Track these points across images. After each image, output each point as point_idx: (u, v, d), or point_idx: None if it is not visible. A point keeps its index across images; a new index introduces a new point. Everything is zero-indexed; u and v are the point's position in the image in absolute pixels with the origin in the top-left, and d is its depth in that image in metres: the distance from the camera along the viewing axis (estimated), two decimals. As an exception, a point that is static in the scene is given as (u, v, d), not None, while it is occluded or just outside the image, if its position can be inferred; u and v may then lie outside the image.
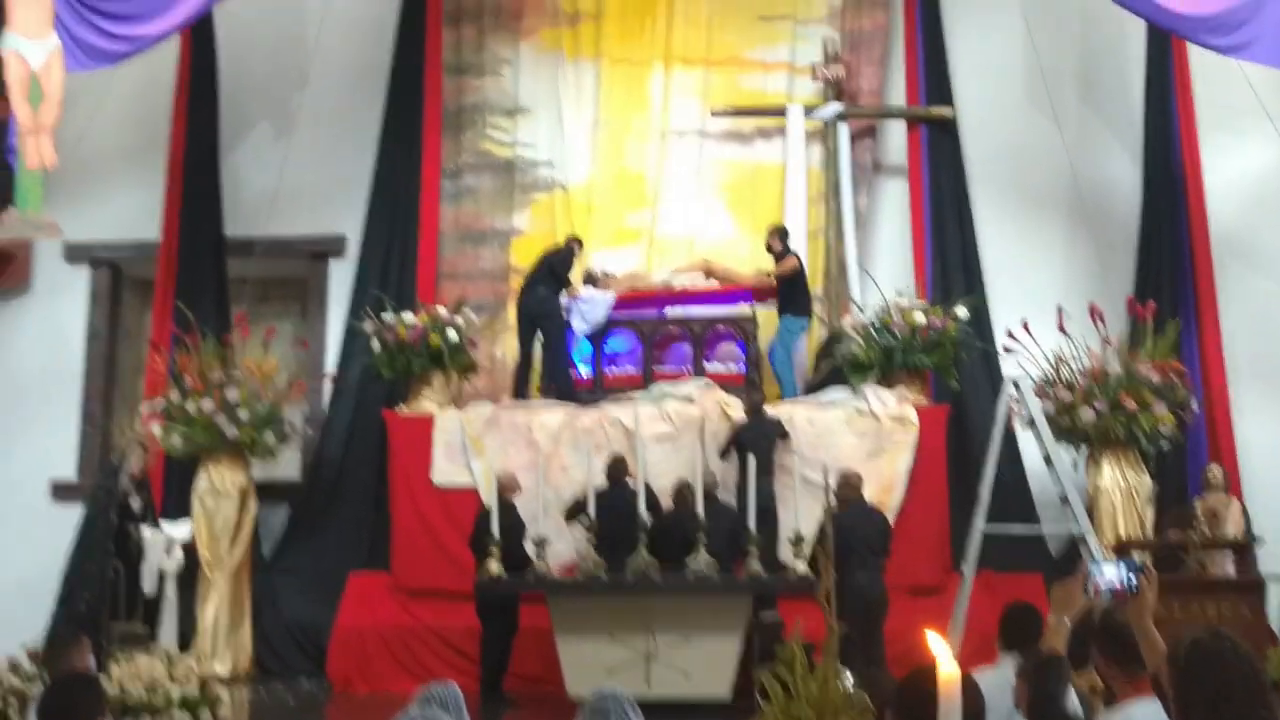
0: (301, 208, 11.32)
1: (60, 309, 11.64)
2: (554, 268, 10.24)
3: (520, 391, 10.22)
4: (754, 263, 10.66)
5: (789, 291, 10.19)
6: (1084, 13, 11.11)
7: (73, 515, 10.18)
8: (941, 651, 2.02)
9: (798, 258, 10.28)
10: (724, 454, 9.14)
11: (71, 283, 11.66)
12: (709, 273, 10.57)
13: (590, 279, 10.51)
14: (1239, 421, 10.26)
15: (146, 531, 9.15)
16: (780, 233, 10.43)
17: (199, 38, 10.93)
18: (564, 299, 10.20)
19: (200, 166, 11.13)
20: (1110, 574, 2.95)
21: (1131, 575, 2.94)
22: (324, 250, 11.60)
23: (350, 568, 9.97)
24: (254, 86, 11.58)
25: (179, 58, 11.10)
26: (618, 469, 8.73)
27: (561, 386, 10.07)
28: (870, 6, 11.43)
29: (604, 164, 11.44)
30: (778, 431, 9.14)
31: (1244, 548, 8.72)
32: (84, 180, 10.88)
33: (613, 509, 8.27)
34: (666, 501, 8.69)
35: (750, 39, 11.51)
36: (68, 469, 11.33)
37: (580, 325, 10.19)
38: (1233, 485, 9.63)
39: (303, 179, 11.25)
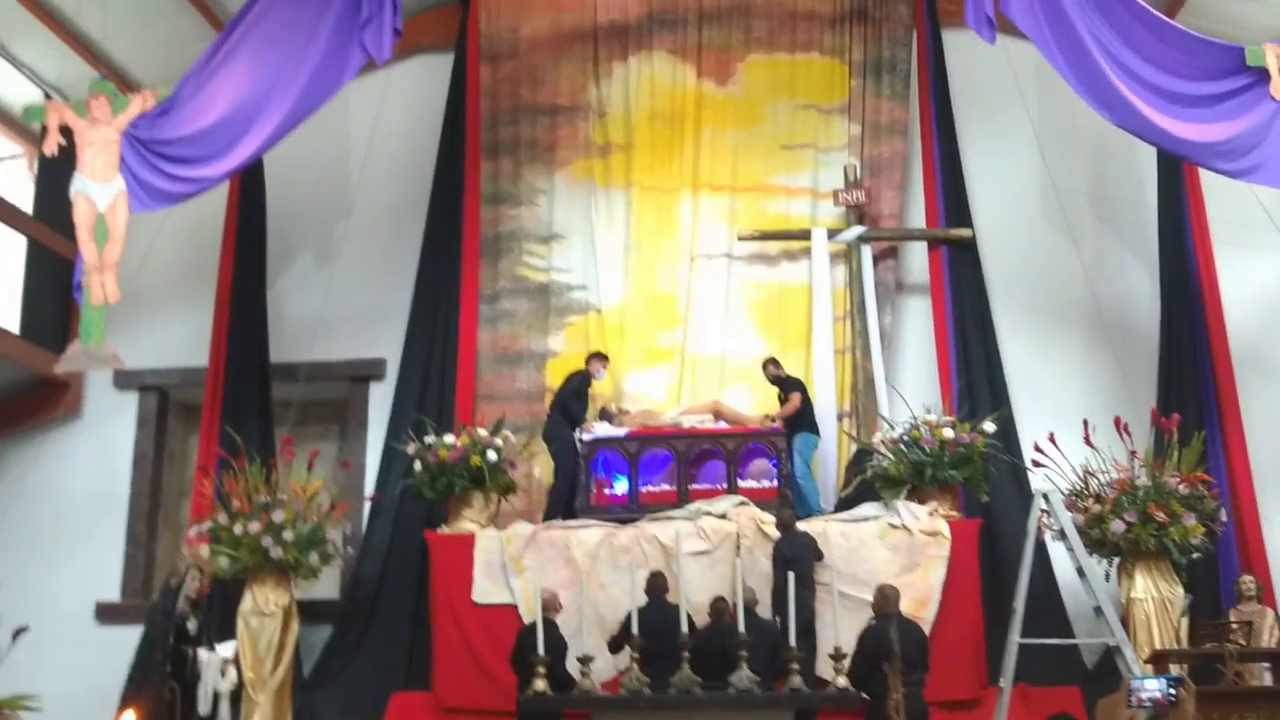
0: (343, 333, 11.71)
1: (109, 434, 11.92)
2: (565, 399, 10.66)
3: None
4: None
5: (797, 415, 10.53)
6: (1096, 134, 11.47)
7: (116, 636, 10.38)
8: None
9: (800, 389, 10.65)
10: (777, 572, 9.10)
11: (120, 408, 11.98)
12: (718, 414, 10.82)
13: (606, 415, 10.82)
14: (1268, 530, 10.33)
15: (202, 653, 9.31)
16: (774, 363, 10.89)
17: (249, 173, 11.23)
18: (580, 432, 10.50)
19: (247, 295, 11.46)
20: (1152, 687, 3.15)
21: (1171, 688, 3.13)
22: (364, 374, 11.91)
23: (389, 686, 10.02)
24: (299, 217, 12.05)
25: (229, 192, 11.46)
26: (658, 585, 8.86)
27: (550, 513, 10.37)
28: (889, 134, 11.88)
29: (635, 287, 11.81)
30: (813, 548, 9.29)
31: (1280, 657, 8.74)
32: (134, 309, 11.19)
33: (654, 625, 8.38)
34: (701, 618, 8.80)
35: (774, 166, 11.96)
36: (112, 591, 11.50)
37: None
38: (1266, 595, 9.69)
39: (345, 305, 11.70)
